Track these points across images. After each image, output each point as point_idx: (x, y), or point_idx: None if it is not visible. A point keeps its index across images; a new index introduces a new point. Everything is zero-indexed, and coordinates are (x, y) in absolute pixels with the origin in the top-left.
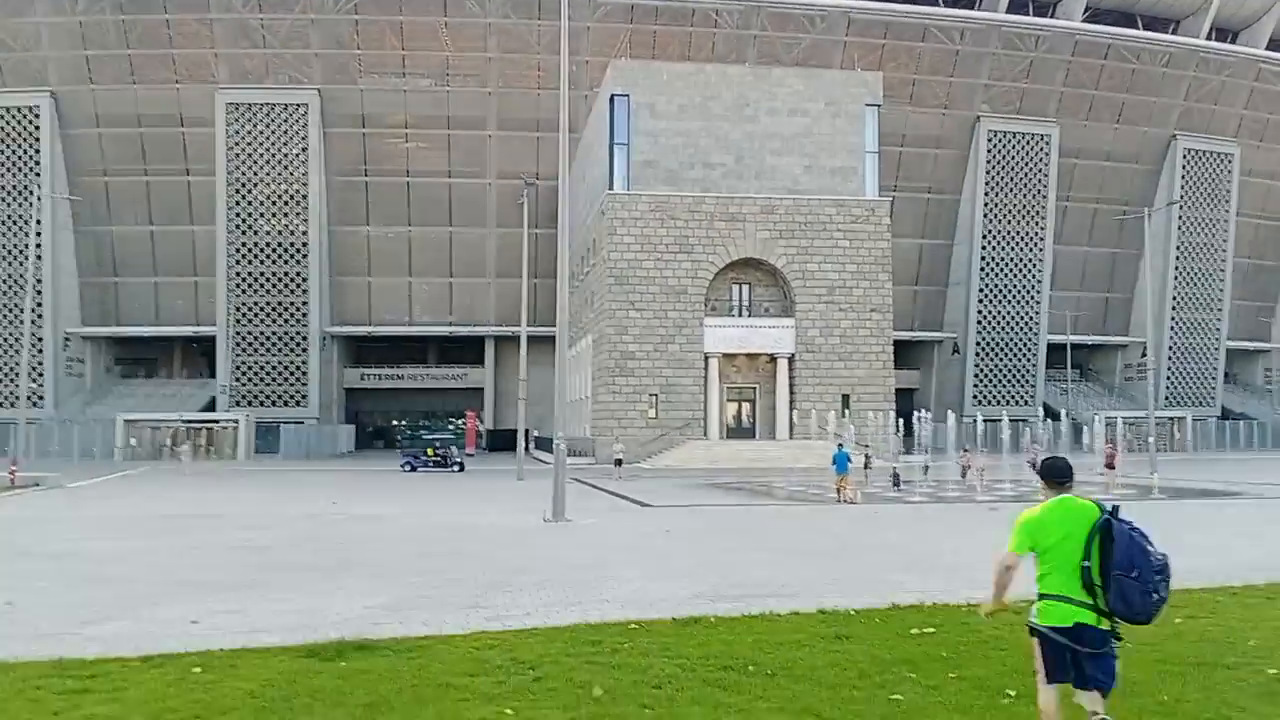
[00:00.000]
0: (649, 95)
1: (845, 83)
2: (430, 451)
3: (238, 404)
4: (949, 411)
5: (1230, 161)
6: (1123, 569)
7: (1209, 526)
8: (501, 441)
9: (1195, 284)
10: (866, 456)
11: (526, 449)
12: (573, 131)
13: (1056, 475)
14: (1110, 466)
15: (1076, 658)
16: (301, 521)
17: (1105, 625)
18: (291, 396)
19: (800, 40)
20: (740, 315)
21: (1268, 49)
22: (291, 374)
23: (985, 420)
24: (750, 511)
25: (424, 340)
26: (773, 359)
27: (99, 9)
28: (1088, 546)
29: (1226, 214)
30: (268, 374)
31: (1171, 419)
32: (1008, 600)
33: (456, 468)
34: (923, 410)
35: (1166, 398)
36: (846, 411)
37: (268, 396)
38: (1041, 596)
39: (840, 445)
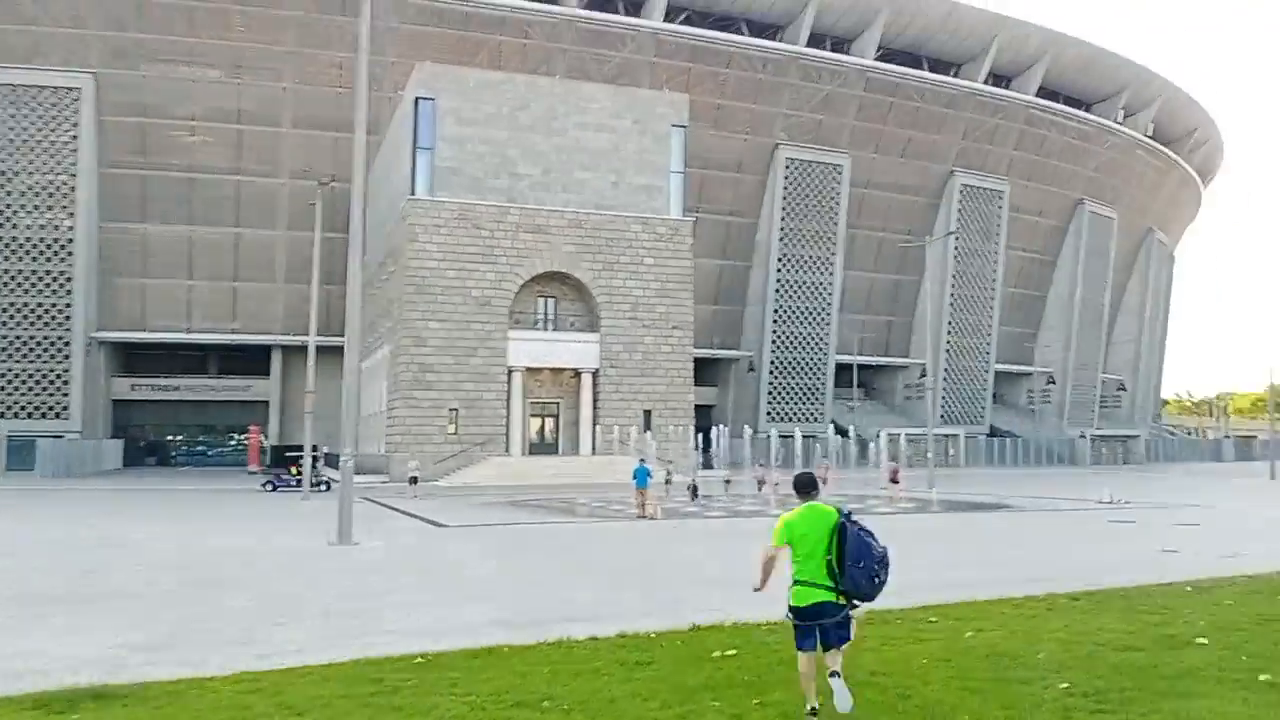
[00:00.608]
0: (455, 101)
1: (653, 102)
2: (294, 470)
3: None
4: (745, 427)
5: (1001, 198)
6: (853, 560)
7: (984, 539)
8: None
9: (968, 310)
10: (668, 472)
11: (315, 466)
12: (375, 134)
13: (804, 487)
14: (894, 481)
15: (822, 628)
16: (49, 546)
17: (843, 602)
18: (51, 407)
19: (610, 58)
20: (545, 329)
21: (1037, 95)
22: (51, 382)
23: (781, 436)
24: (550, 530)
25: (204, 349)
26: (577, 374)
27: None
28: (830, 543)
29: (996, 246)
30: (24, 382)
31: (946, 436)
32: (767, 586)
33: (323, 487)
34: (721, 426)
35: (942, 416)
36: (649, 427)
37: (23, 407)
38: (796, 582)
39: (641, 460)
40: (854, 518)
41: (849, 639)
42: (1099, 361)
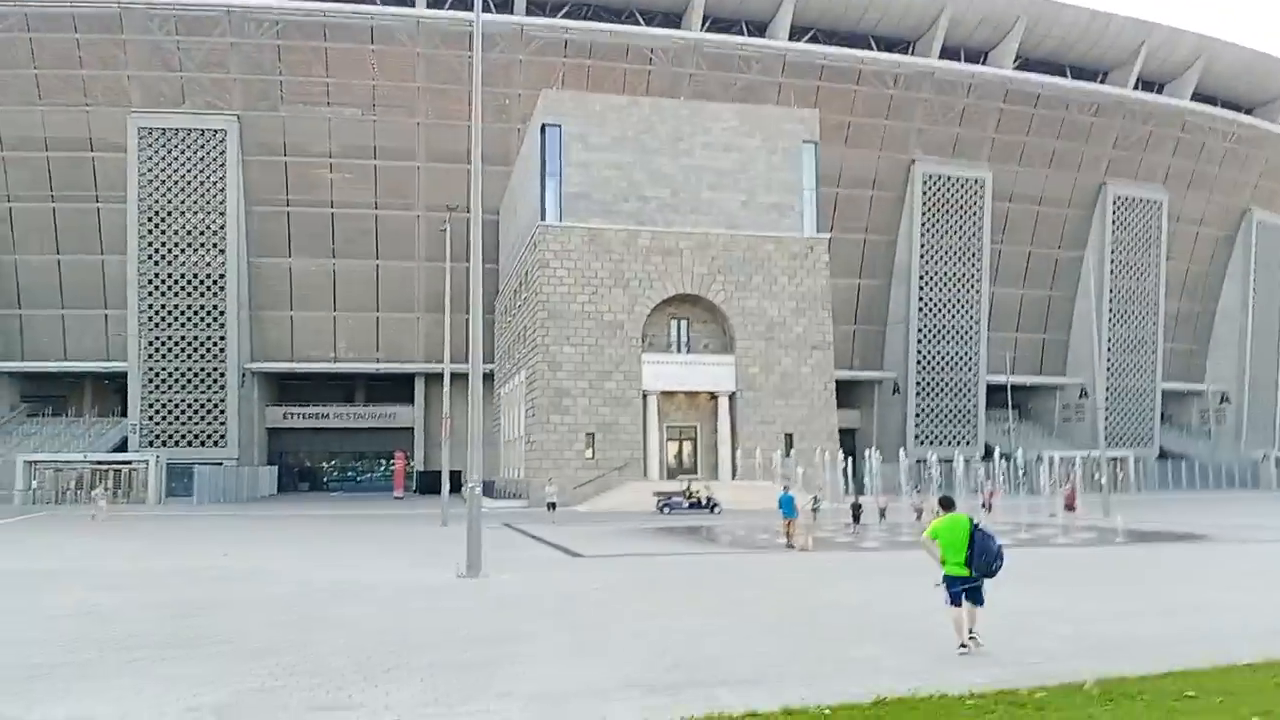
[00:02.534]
0: (581, 126)
1: (781, 119)
2: (687, 492)
3: (150, 444)
4: (900, 451)
5: (1159, 208)
6: (978, 554)
7: (1190, 576)
8: (432, 483)
9: (1129, 326)
10: (815, 499)
11: (456, 491)
12: (505, 164)
13: (947, 504)
14: (1070, 508)
15: (966, 591)
16: (173, 578)
17: (974, 575)
18: (209, 436)
19: (736, 80)
20: (679, 351)
21: (1192, 100)
22: (209, 412)
23: (941, 460)
24: (693, 562)
25: (350, 378)
26: (713, 397)
27: (4, 26)
28: (967, 540)
29: (1157, 259)
30: (183, 412)
31: (1115, 459)
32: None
33: (715, 509)
34: (873, 450)
35: (1106, 438)
36: (791, 451)
37: (184, 436)
38: (945, 563)
39: (786, 487)
40: (979, 524)
41: (982, 603)
42: (1276, 379)
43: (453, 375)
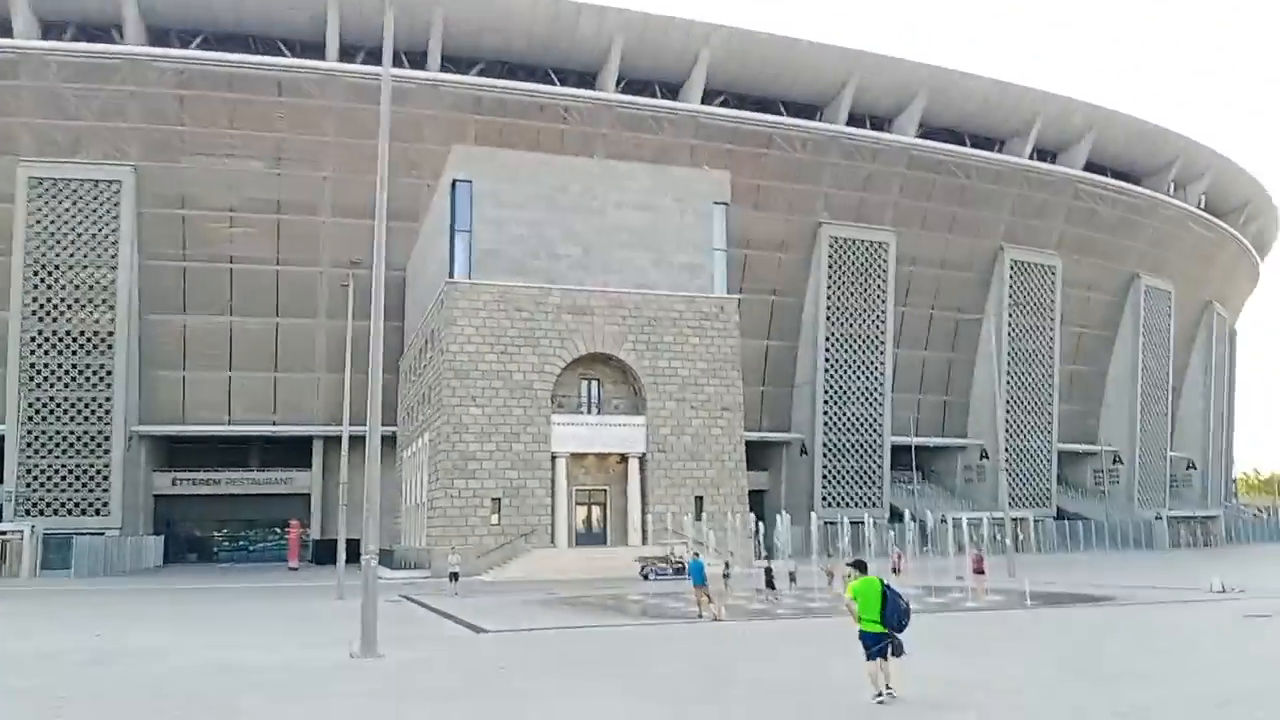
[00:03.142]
0: (493, 183)
1: (694, 180)
2: (672, 560)
3: (27, 512)
4: (812, 514)
5: (1053, 273)
6: (889, 610)
7: (1115, 644)
8: (329, 553)
9: (1026, 389)
10: (726, 565)
11: (356, 559)
12: (414, 220)
13: (861, 567)
14: (979, 571)
15: (880, 645)
16: (34, 663)
17: (885, 631)
18: (91, 504)
19: (648, 141)
20: (590, 412)
21: (1085, 169)
22: (91, 478)
23: (851, 522)
24: (603, 635)
25: (245, 441)
26: (624, 459)
27: None
28: (880, 599)
29: (1052, 322)
30: (64, 478)
31: (1015, 520)
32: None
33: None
34: (781, 512)
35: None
36: (700, 514)
37: (63, 504)
38: (861, 619)
39: (696, 554)
40: (888, 584)
41: (900, 653)
42: (1166, 439)
43: (352, 438)
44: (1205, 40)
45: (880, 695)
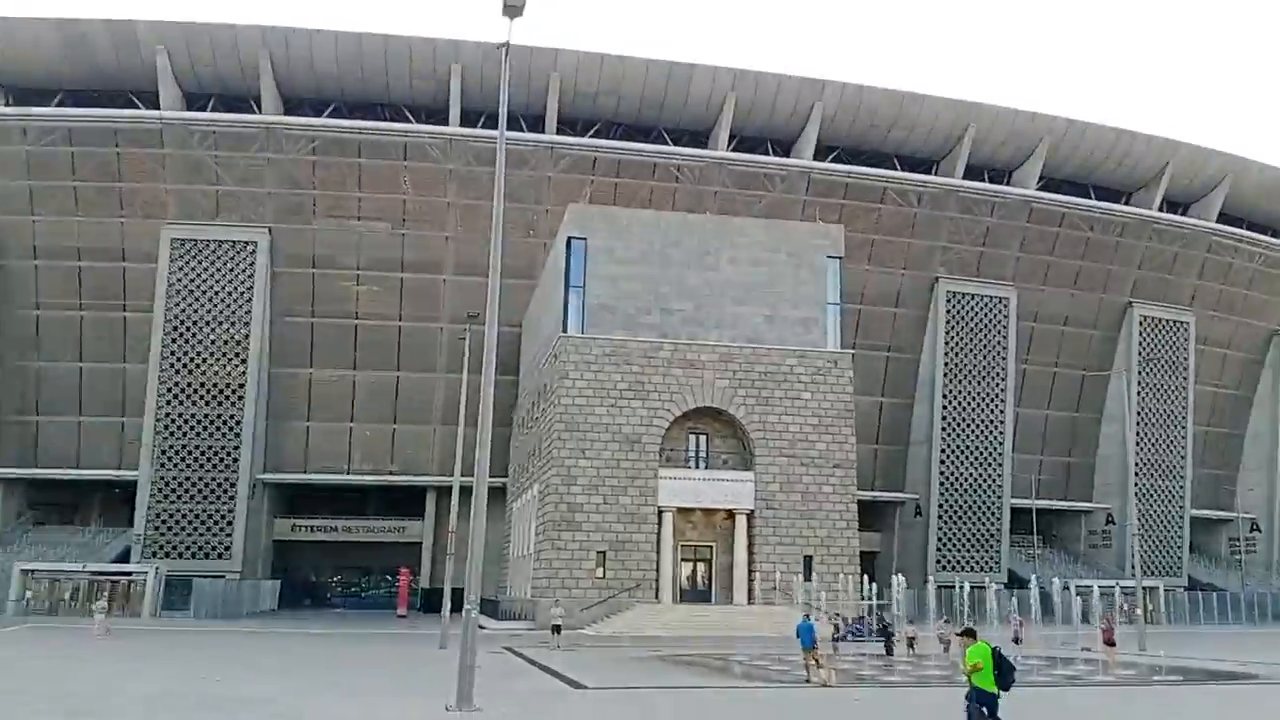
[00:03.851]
0: (607, 239)
1: (807, 234)
2: (874, 619)
3: (154, 554)
4: (930, 576)
5: (1186, 330)
6: (1004, 673)
7: None
8: (436, 601)
9: (1156, 451)
10: (836, 626)
11: (458, 610)
12: (530, 279)
13: (969, 634)
14: (1110, 643)
15: (993, 705)
16: (135, 704)
17: (999, 692)
18: (214, 548)
19: (761, 198)
20: (697, 467)
21: (1218, 221)
22: (216, 523)
23: (973, 587)
24: (707, 697)
25: (362, 490)
26: (731, 515)
27: (49, 140)
28: (992, 661)
29: (1185, 381)
30: (190, 523)
31: (1145, 589)
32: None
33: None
34: (895, 574)
35: (1131, 567)
36: (809, 575)
37: (188, 547)
38: (979, 679)
39: (806, 615)
40: (997, 649)
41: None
42: None
43: (463, 489)
44: None
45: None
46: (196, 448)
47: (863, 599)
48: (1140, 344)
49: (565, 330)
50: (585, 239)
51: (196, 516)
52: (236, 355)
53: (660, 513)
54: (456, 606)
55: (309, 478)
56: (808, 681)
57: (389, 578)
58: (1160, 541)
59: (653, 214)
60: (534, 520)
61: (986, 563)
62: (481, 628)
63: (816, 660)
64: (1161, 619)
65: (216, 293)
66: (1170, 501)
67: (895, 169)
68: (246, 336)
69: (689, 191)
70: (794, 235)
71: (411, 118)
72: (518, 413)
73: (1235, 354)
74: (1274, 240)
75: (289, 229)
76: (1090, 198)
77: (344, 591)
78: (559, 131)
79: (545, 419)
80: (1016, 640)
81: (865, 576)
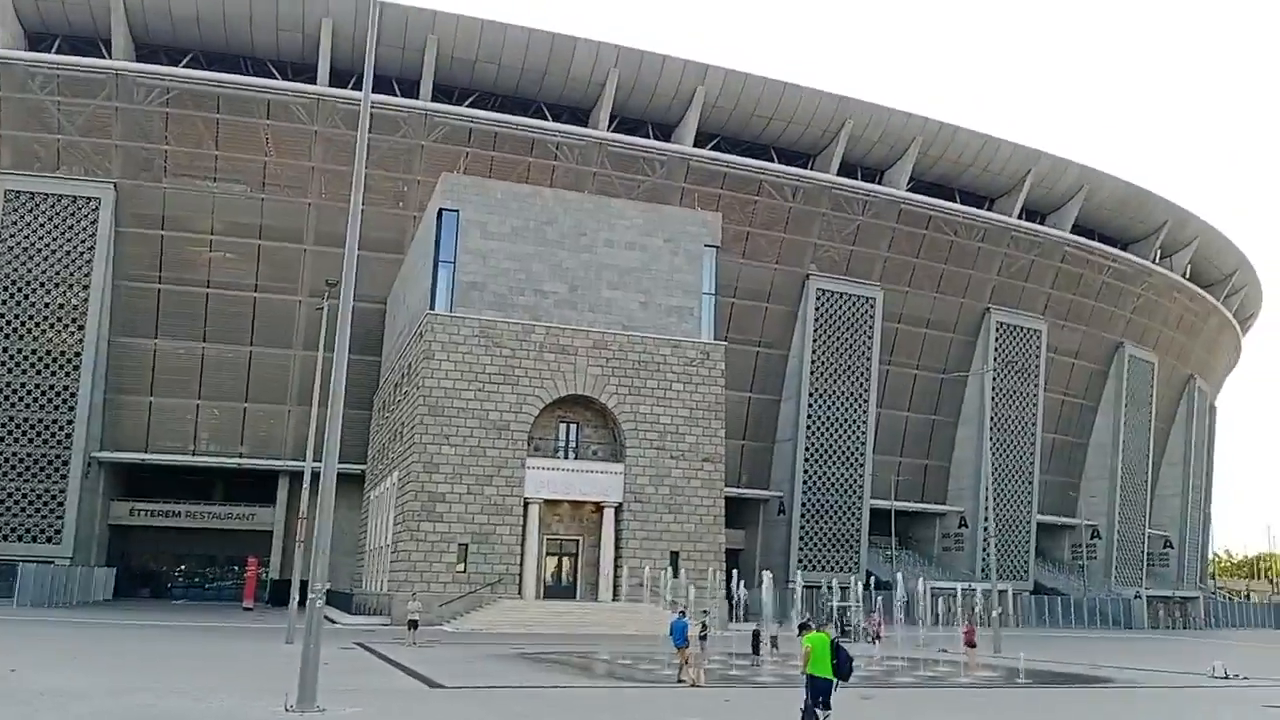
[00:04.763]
0: (480, 213)
1: (685, 220)
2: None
3: None
4: (797, 574)
5: (1039, 337)
6: (839, 660)
7: None
8: (286, 593)
9: (1008, 456)
10: (704, 625)
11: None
12: (398, 252)
13: (803, 628)
14: (971, 645)
15: (825, 691)
16: None
17: (832, 679)
18: (42, 530)
19: (639, 182)
20: (566, 457)
21: (1073, 232)
22: (45, 504)
23: (841, 587)
24: (570, 698)
25: (209, 473)
26: (599, 508)
27: None
28: (830, 651)
29: (1036, 388)
30: (15, 502)
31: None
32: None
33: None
34: (765, 573)
35: (983, 570)
36: (676, 570)
37: (13, 529)
38: (815, 666)
39: (682, 612)
40: (835, 639)
41: (830, 708)
42: (1145, 516)
43: (318, 475)
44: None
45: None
46: (25, 420)
47: (729, 598)
48: (996, 349)
49: (432, 308)
50: (457, 211)
51: (24, 495)
52: (73, 321)
53: (526, 504)
54: (306, 599)
55: (150, 458)
56: (680, 681)
57: (236, 568)
58: (1009, 546)
59: (530, 189)
60: (392, 510)
61: (846, 563)
62: (333, 622)
63: (686, 659)
64: (1009, 622)
65: (53, 251)
66: (1020, 506)
67: (773, 161)
68: (85, 301)
69: (567, 170)
70: (672, 220)
71: (276, 74)
72: (379, 395)
73: (1082, 363)
74: (1123, 253)
75: (136, 186)
76: (956, 201)
77: (186, 581)
78: (434, 99)
79: (408, 401)
80: (874, 640)
81: (735, 573)
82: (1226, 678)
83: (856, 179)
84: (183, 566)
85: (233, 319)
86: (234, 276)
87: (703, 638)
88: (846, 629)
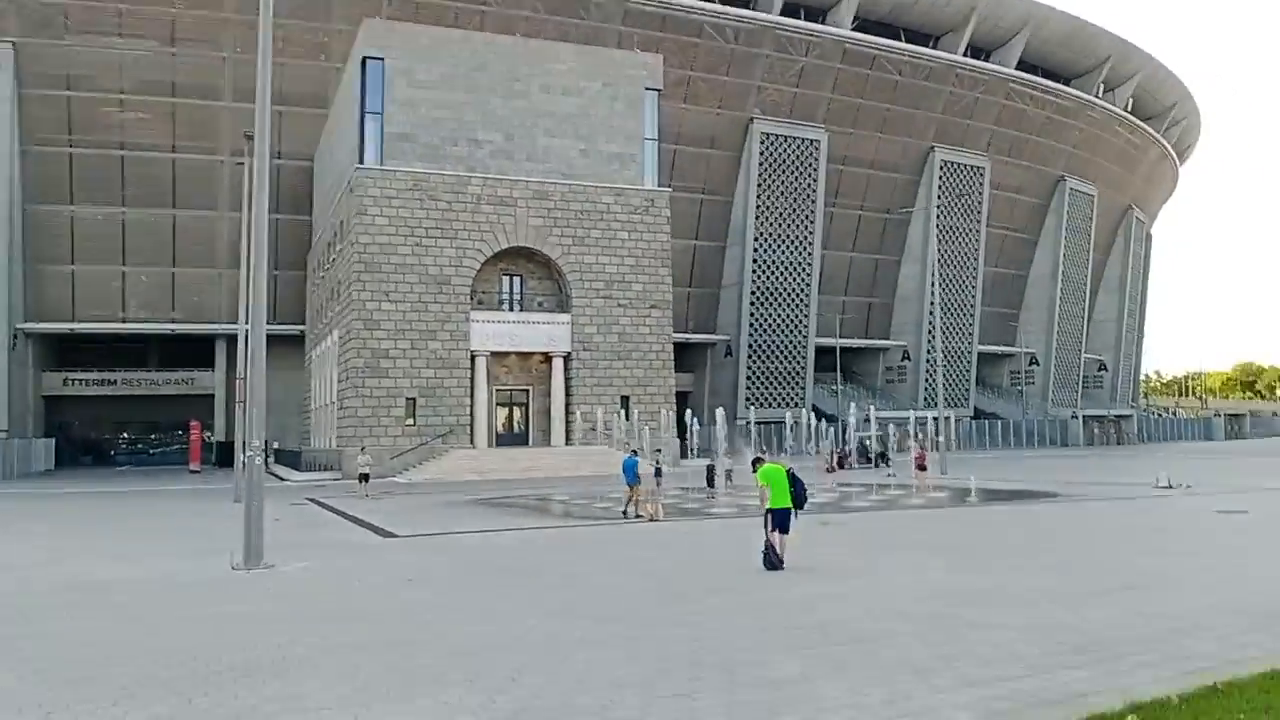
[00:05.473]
0: (407, 61)
1: (624, 63)
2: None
3: None
4: (750, 411)
5: (982, 174)
6: (798, 490)
7: (1096, 542)
8: (233, 454)
9: (951, 291)
10: (658, 465)
11: (265, 463)
12: (323, 108)
13: (758, 463)
14: (921, 468)
15: (784, 521)
16: None
17: (791, 507)
18: None
19: (575, 26)
20: (511, 309)
21: (1017, 69)
22: None
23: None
24: (526, 539)
25: (143, 340)
26: (547, 358)
27: None
28: (787, 482)
29: (978, 225)
30: None
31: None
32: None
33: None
34: (718, 410)
35: (925, 399)
36: (627, 414)
37: None
38: (775, 500)
39: (633, 451)
40: (791, 469)
41: (789, 530)
42: (1081, 341)
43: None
44: None
45: (769, 551)
46: None
47: (680, 437)
48: (939, 188)
49: (361, 162)
50: (382, 59)
51: None
52: None
53: (473, 357)
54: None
55: (79, 327)
56: (626, 515)
57: (180, 432)
58: (952, 375)
59: (459, 33)
60: (335, 367)
61: (792, 399)
62: (282, 479)
63: (638, 496)
64: (952, 446)
65: None
66: (961, 338)
67: (713, 1)
68: None
69: (497, 16)
70: (610, 64)
71: None
72: (313, 255)
73: (1024, 198)
74: (1064, 88)
75: (37, 45)
76: (901, 40)
77: (130, 449)
78: None
79: (343, 260)
80: (831, 470)
81: (689, 413)
82: (1170, 487)
83: (799, 19)
84: (125, 434)
85: (152, 181)
86: (150, 137)
87: (658, 474)
88: (870, 456)
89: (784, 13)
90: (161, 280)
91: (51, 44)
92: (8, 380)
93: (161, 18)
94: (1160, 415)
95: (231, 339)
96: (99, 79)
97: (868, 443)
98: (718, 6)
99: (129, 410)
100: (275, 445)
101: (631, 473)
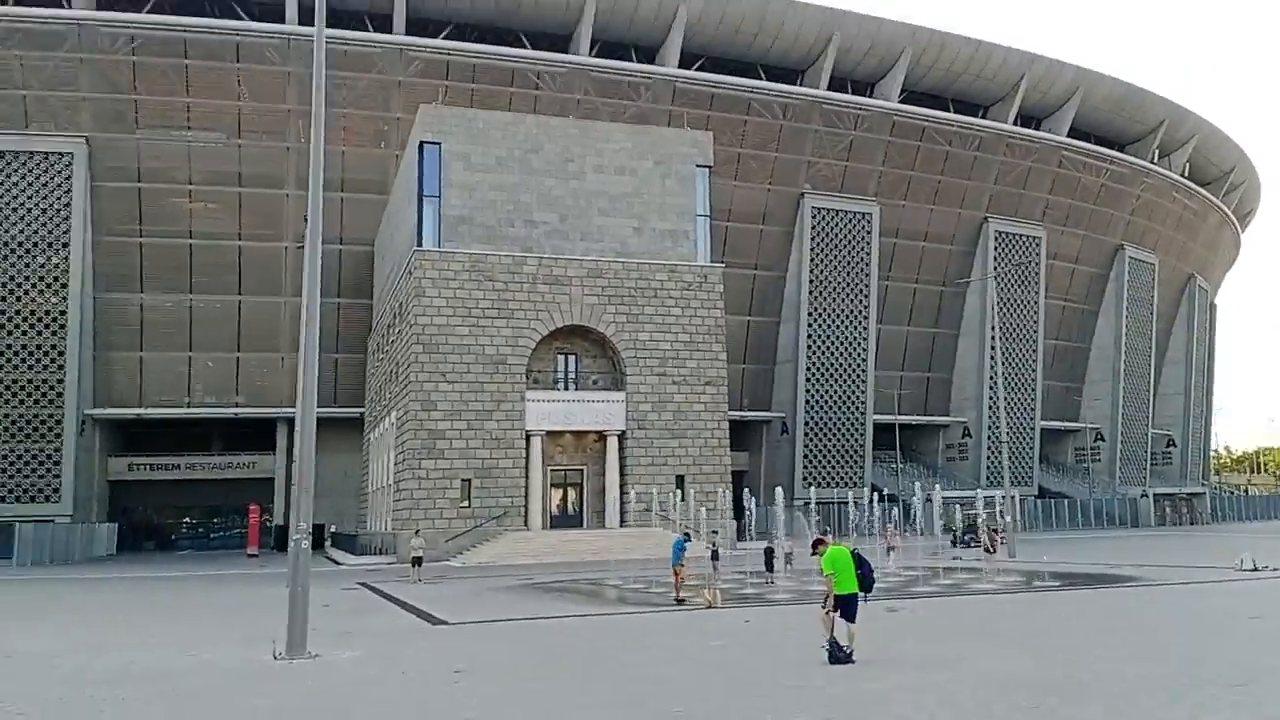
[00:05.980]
0: (463, 145)
1: (675, 141)
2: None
3: None
4: (810, 490)
5: (1038, 244)
6: (864, 572)
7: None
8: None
9: (1010, 364)
10: (714, 547)
11: (320, 546)
12: (382, 194)
13: (820, 545)
14: (990, 550)
15: (851, 608)
16: None
17: (858, 592)
18: (40, 490)
19: (625, 108)
20: (566, 388)
21: (1069, 136)
22: (41, 463)
23: (856, 503)
24: (581, 626)
25: (206, 425)
26: (601, 437)
27: None
28: (853, 564)
29: (1036, 295)
30: (12, 464)
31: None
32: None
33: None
34: (777, 490)
35: (988, 478)
36: (683, 493)
37: (10, 490)
38: (841, 584)
39: (686, 534)
40: (855, 550)
41: (855, 620)
42: (1148, 416)
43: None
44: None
45: (834, 647)
46: (15, 382)
47: (737, 518)
48: (995, 259)
49: (420, 244)
50: (439, 143)
51: (19, 456)
52: (56, 280)
53: (528, 437)
54: (314, 543)
55: (145, 412)
56: (678, 602)
57: (240, 517)
58: (1014, 452)
59: (512, 116)
60: (393, 449)
61: (851, 478)
62: (337, 563)
63: (683, 578)
64: (1017, 526)
65: (29, 210)
66: (1023, 413)
67: (761, 79)
68: (66, 259)
69: (550, 99)
70: (661, 142)
71: (244, 15)
72: (373, 337)
73: (1083, 268)
74: (1120, 155)
75: (109, 139)
76: (950, 111)
77: (191, 532)
78: (408, 33)
79: (401, 341)
80: (890, 550)
81: (746, 492)
82: (1256, 569)
83: (847, 93)
84: (186, 518)
85: (218, 269)
86: (216, 226)
87: (714, 557)
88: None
89: (831, 87)
90: (226, 365)
91: (122, 138)
92: (74, 466)
93: (227, 111)
94: (1233, 493)
95: (292, 422)
96: (168, 171)
97: (980, 521)
98: (766, 83)
99: (192, 494)
100: (333, 528)
101: (678, 553)
